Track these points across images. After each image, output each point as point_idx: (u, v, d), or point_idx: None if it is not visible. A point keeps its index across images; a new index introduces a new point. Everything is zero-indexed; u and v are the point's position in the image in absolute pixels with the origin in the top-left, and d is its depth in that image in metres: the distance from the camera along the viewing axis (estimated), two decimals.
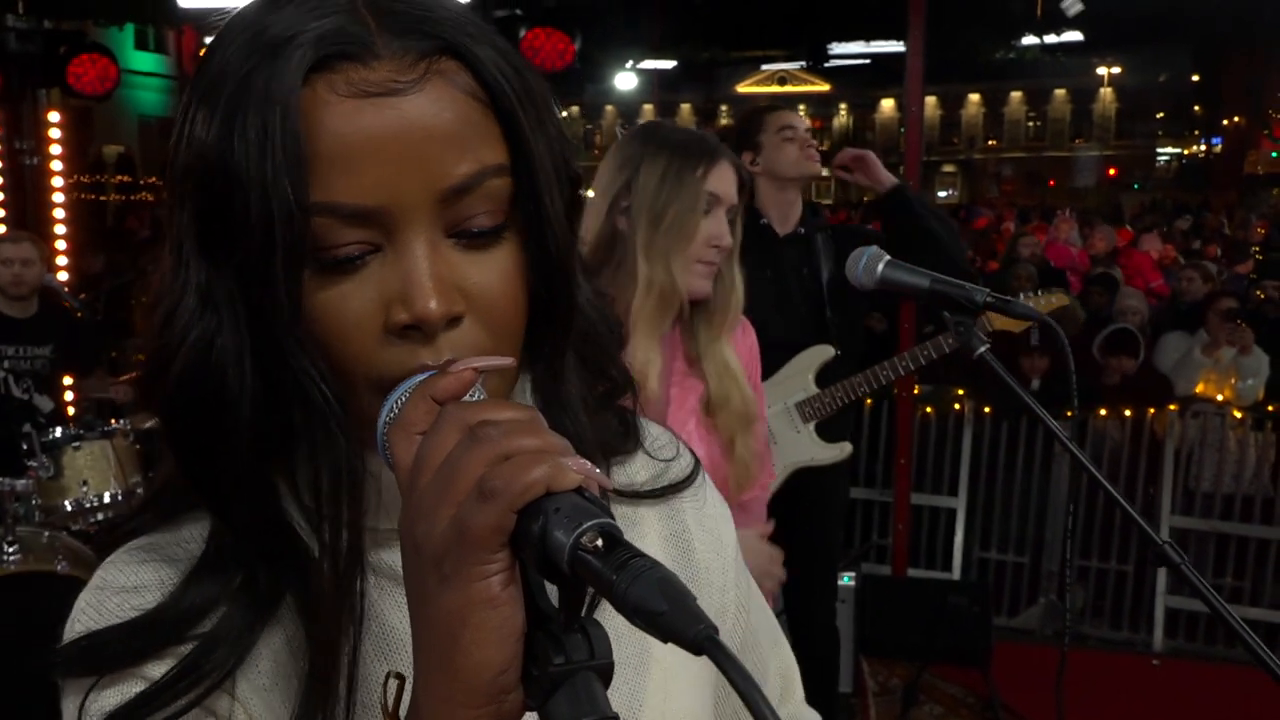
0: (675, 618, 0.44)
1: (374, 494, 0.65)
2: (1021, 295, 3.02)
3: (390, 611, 0.68)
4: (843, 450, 3.13)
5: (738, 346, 1.94)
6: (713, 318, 1.86)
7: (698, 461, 0.86)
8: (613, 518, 0.48)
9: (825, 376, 3.09)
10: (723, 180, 1.79)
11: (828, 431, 3.11)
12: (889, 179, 3.13)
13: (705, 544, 0.83)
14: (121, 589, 0.66)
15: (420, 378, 0.59)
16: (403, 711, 0.56)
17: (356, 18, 0.60)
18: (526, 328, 0.66)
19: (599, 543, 0.47)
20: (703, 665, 0.78)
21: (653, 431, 0.84)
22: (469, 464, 0.50)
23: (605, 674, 0.50)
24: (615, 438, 0.78)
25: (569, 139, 0.69)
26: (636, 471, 0.81)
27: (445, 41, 0.61)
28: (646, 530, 0.80)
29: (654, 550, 0.78)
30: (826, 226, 3.27)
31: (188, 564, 0.66)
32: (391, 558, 0.68)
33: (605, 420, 0.76)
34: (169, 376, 0.63)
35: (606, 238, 1.79)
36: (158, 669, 0.63)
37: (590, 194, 1.86)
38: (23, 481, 3.46)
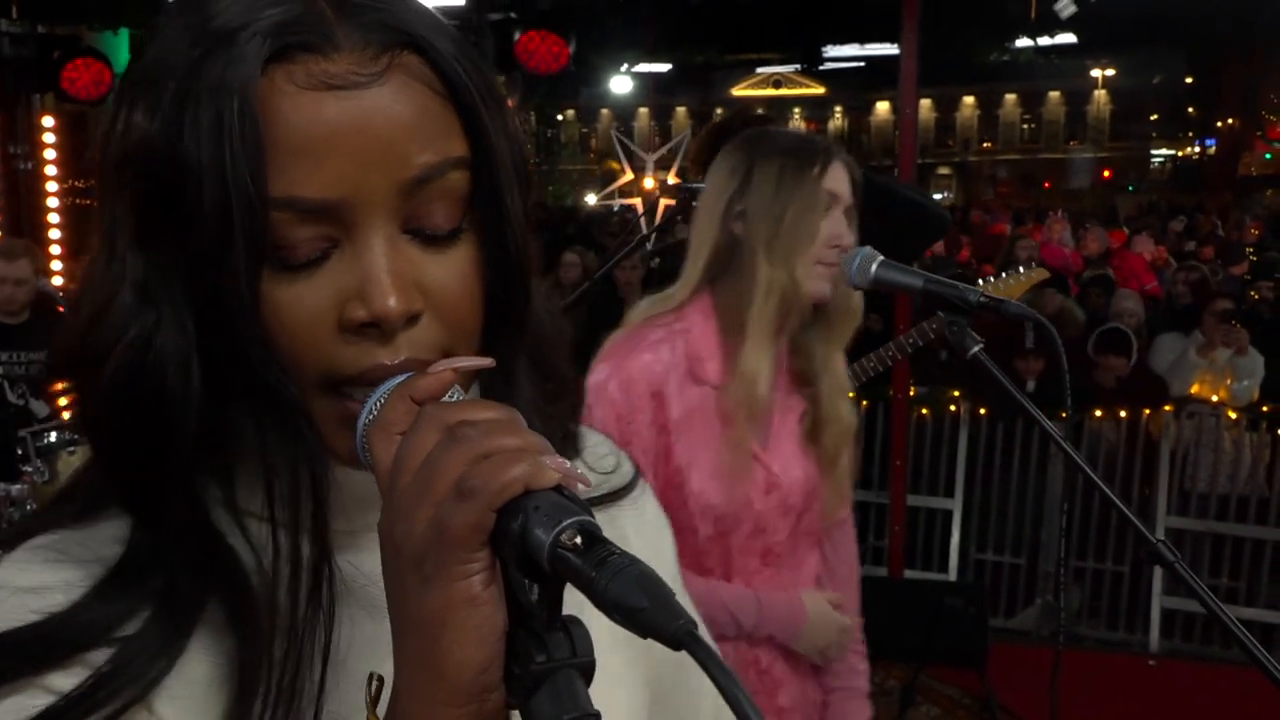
0: (655, 613, 0.44)
1: (334, 496, 0.63)
2: (1003, 274, 3.02)
3: (346, 623, 0.64)
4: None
5: None
6: (832, 327, 1.80)
7: (637, 471, 0.85)
8: (592, 515, 0.48)
9: None
10: (838, 179, 1.74)
11: None
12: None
13: (644, 553, 0.81)
14: (20, 589, 0.60)
15: (400, 378, 0.58)
16: (381, 711, 0.55)
17: (313, 8, 0.58)
18: (482, 329, 0.65)
19: (578, 540, 0.47)
20: (637, 669, 0.77)
21: (592, 440, 0.83)
22: (448, 463, 0.50)
23: (587, 672, 0.50)
24: (556, 444, 0.77)
25: (524, 139, 0.68)
26: None
27: (407, 35, 0.59)
28: None
29: None
30: None
31: (98, 567, 0.61)
32: (350, 559, 0.66)
33: (550, 426, 0.74)
34: (100, 377, 0.59)
35: (723, 245, 1.75)
36: (64, 680, 0.57)
37: (698, 203, 1.82)
38: (18, 486, 3.45)
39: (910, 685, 4.09)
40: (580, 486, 0.51)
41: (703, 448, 1.72)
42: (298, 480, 0.60)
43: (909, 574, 4.70)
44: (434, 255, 0.61)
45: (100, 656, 0.58)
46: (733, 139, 1.82)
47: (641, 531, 0.83)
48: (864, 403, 5.01)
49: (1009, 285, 2.93)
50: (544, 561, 0.47)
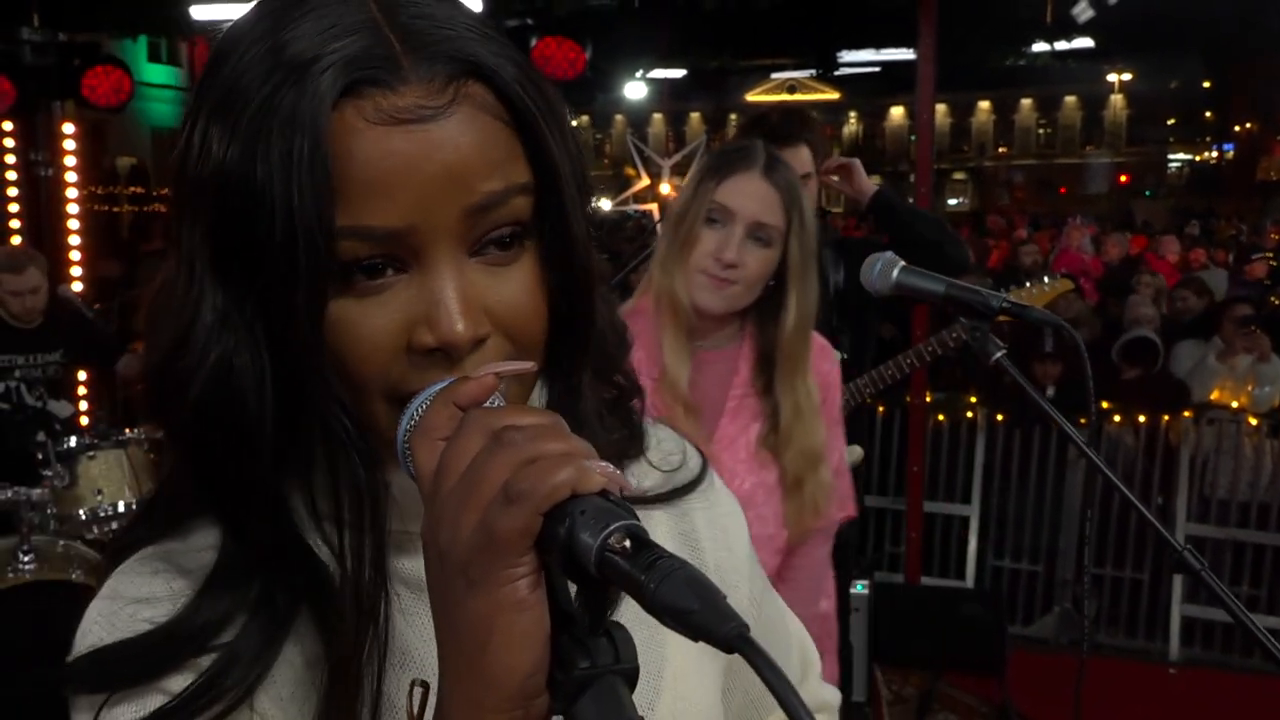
0: (706, 616, 0.44)
1: (391, 503, 0.66)
2: (1028, 283, 3.01)
3: (399, 620, 0.67)
4: (854, 454, 3.12)
5: (816, 369, 1.86)
6: (784, 345, 1.79)
7: (705, 462, 0.86)
8: (638, 519, 0.48)
9: None
10: (741, 195, 1.71)
11: None
12: (870, 187, 3.12)
13: (715, 542, 0.84)
14: (133, 600, 0.65)
15: (441, 384, 0.59)
16: (427, 718, 0.56)
17: (380, 38, 0.59)
18: (546, 341, 0.66)
19: (626, 544, 0.47)
20: (709, 661, 0.79)
21: (659, 435, 0.84)
22: (494, 468, 0.50)
23: (630, 678, 0.50)
24: (623, 444, 0.78)
25: (584, 152, 0.69)
26: (645, 475, 0.81)
27: (471, 63, 0.60)
28: (656, 533, 0.80)
29: None
30: (833, 239, 3.26)
31: (199, 575, 0.65)
32: (406, 563, 0.69)
33: (614, 427, 0.76)
34: (186, 398, 0.62)
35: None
36: (176, 683, 0.62)
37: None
38: (38, 491, 3.47)
39: (928, 692, 4.07)
40: (620, 489, 0.51)
41: None
42: (358, 499, 0.62)
43: (926, 581, 4.69)
44: (499, 276, 0.62)
45: (207, 660, 0.62)
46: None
47: (714, 521, 0.84)
48: (880, 408, 5.00)
49: (1033, 295, 2.92)
50: (591, 565, 0.47)
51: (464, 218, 0.60)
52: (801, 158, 2.98)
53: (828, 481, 1.85)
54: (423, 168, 0.58)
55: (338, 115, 0.58)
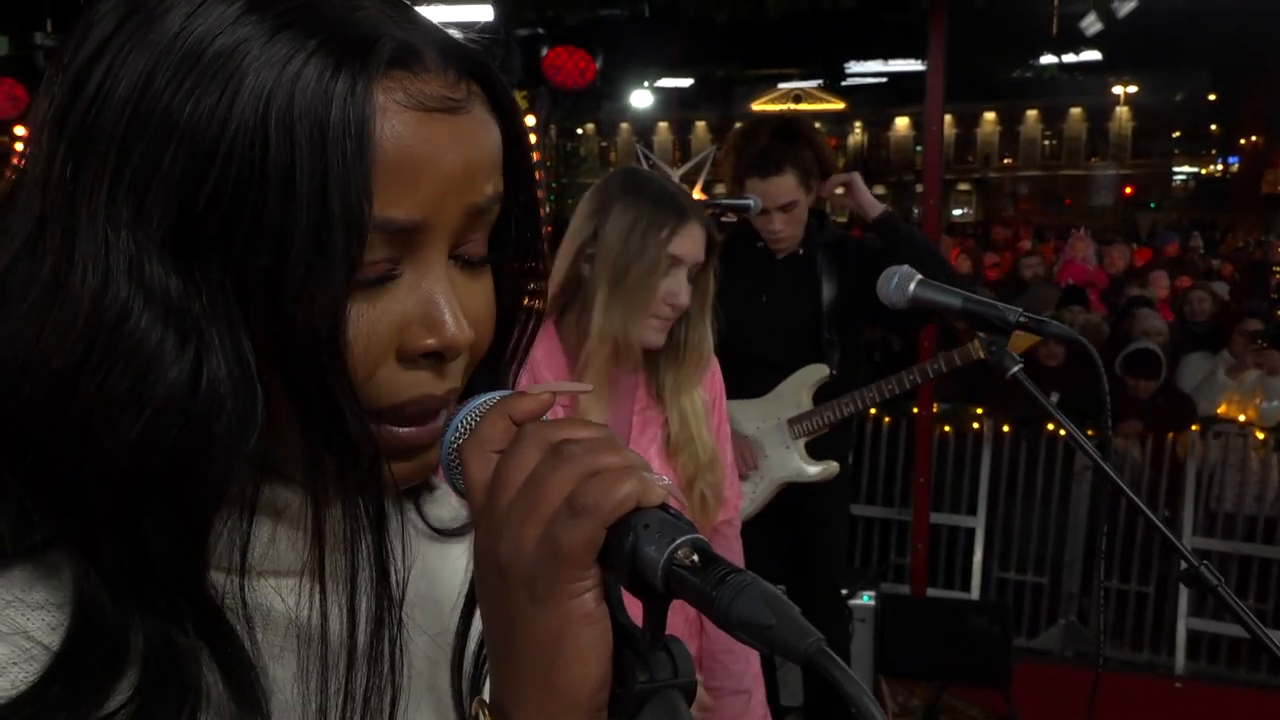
0: (784, 631, 0.44)
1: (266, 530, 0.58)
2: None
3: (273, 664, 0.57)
4: (828, 469, 3.13)
5: (707, 386, 2.01)
6: (680, 369, 1.92)
7: None
8: (699, 533, 0.49)
9: (823, 396, 3.10)
10: (687, 242, 1.83)
11: (821, 451, 3.12)
12: (875, 206, 3.13)
13: None
14: None
15: (488, 396, 0.59)
16: None
17: (401, 17, 0.56)
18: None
19: (695, 558, 0.47)
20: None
21: None
22: (557, 481, 0.50)
23: (689, 692, 0.50)
24: None
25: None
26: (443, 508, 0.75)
27: (476, 63, 0.58)
28: (460, 562, 0.73)
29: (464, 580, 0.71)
30: (831, 240, 3.25)
31: (48, 634, 0.51)
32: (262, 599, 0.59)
33: None
34: (122, 430, 0.49)
35: (570, 281, 1.86)
36: None
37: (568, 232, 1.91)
38: None
39: (933, 705, 4.06)
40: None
41: None
42: (356, 514, 0.54)
43: (931, 592, 4.68)
44: (472, 283, 0.60)
45: None
46: (613, 176, 1.93)
47: None
48: (886, 419, 4.99)
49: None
50: (658, 580, 0.47)
51: (463, 217, 0.57)
52: (782, 187, 3.02)
53: (717, 482, 1.97)
54: (446, 159, 0.55)
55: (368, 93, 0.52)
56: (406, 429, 0.58)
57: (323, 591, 0.54)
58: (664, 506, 0.50)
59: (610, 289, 1.80)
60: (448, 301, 0.56)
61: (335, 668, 0.55)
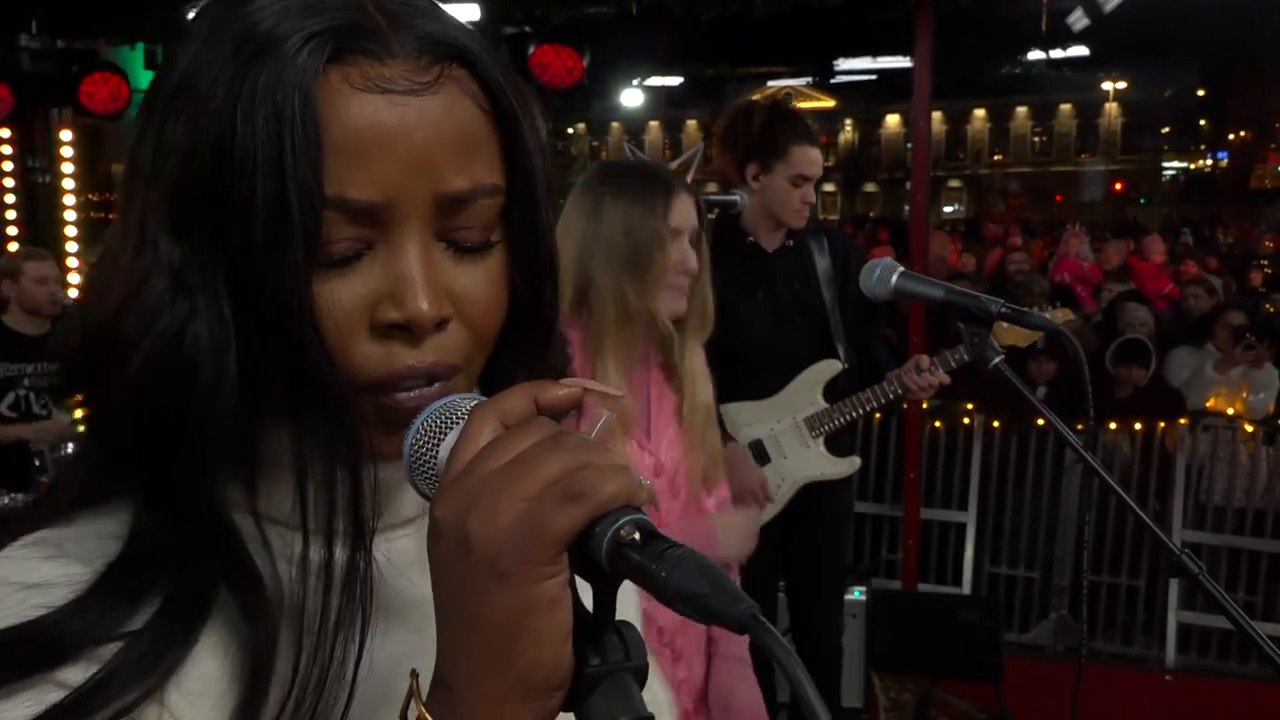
0: (718, 599, 0.45)
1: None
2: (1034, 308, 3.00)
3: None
4: (852, 464, 3.12)
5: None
6: (688, 330, 2.01)
7: None
8: (645, 514, 0.49)
9: (835, 390, 3.07)
10: (681, 211, 1.93)
11: (835, 445, 3.10)
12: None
13: None
14: (23, 585, 0.58)
15: (467, 397, 0.59)
16: (412, 714, 0.54)
17: (367, 15, 0.59)
18: (500, 335, 0.66)
19: (636, 536, 0.48)
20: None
21: None
22: (547, 464, 0.50)
23: (640, 675, 0.50)
24: None
25: (550, 152, 0.69)
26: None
27: (458, 49, 0.61)
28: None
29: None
30: (821, 228, 3.23)
31: (99, 561, 0.59)
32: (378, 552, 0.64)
33: None
34: (129, 364, 0.58)
35: (581, 283, 1.91)
36: (74, 675, 0.55)
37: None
38: (35, 497, 3.47)
39: (924, 699, 4.07)
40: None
41: None
42: (333, 479, 0.59)
43: (923, 587, 4.69)
44: (465, 265, 0.62)
45: (110, 650, 0.56)
46: (590, 178, 1.99)
47: None
48: (877, 415, 5.00)
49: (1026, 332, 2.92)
50: (603, 559, 0.48)
51: (434, 203, 0.60)
52: (820, 157, 3.05)
53: (718, 445, 2.07)
54: (404, 141, 0.58)
55: (323, 80, 0.57)
56: (402, 394, 0.61)
57: (305, 552, 0.59)
58: (640, 509, 0.50)
59: (624, 278, 1.88)
60: (417, 278, 0.59)
61: (314, 593, 0.60)
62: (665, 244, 1.90)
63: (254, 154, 0.56)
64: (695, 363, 2.03)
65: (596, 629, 0.51)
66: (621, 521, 0.48)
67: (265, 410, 0.61)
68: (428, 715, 0.53)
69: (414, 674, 0.56)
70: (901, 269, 1.44)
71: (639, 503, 0.50)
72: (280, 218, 0.56)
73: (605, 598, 0.50)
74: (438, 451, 0.57)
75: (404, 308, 0.59)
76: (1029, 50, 14.91)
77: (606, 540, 0.48)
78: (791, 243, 3.11)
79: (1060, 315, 3.07)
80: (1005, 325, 2.89)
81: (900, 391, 2.96)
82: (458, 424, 0.57)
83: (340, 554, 0.60)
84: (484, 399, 0.58)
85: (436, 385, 0.61)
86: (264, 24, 0.58)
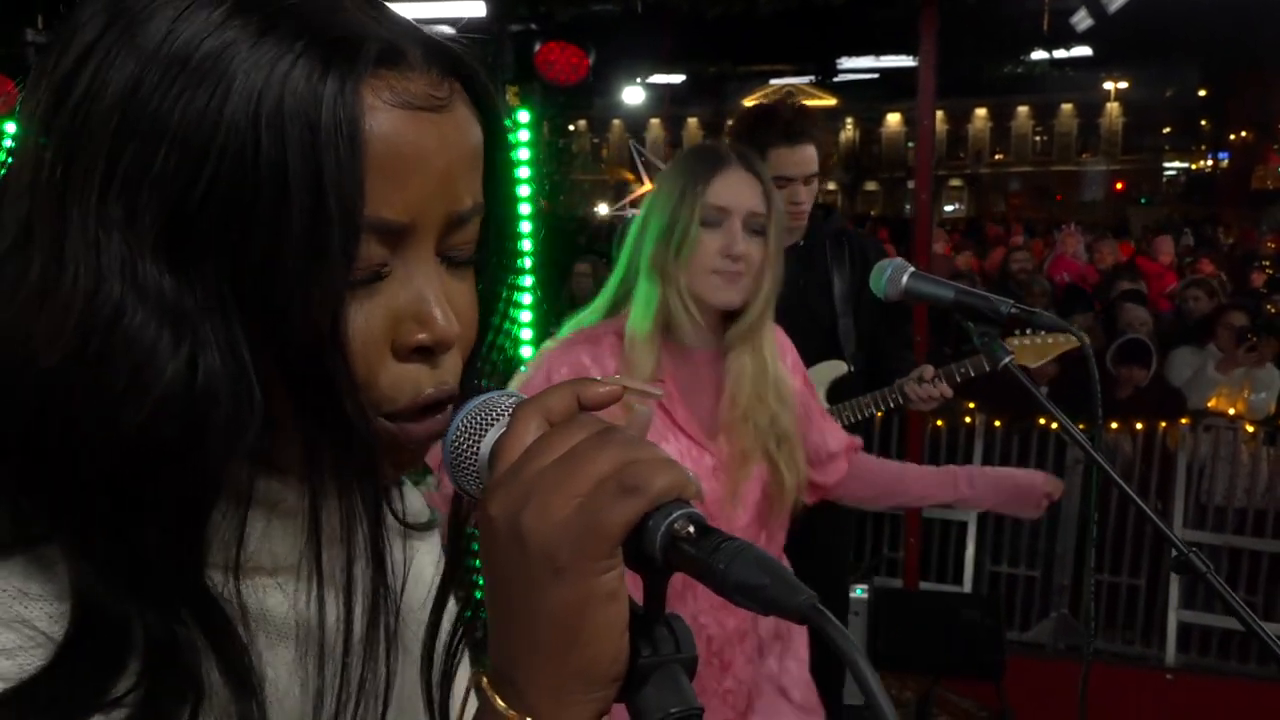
0: (778, 589, 0.46)
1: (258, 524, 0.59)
2: (1029, 333, 2.94)
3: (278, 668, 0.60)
4: None
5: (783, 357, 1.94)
6: (743, 323, 1.83)
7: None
8: (695, 509, 0.50)
9: (840, 392, 3.07)
10: (728, 191, 1.75)
11: None
12: None
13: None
14: None
15: (494, 394, 0.59)
16: (468, 714, 0.55)
17: (380, 25, 0.55)
18: None
19: (691, 529, 0.48)
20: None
21: None
22: (599, 459, 0.50)
23: (691, 667, 0.51)
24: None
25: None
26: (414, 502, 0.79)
27: (457, 61, 0.58)
28: (424, 562, 0.76)
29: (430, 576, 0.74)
30: (838, 231, 3.21)
31: (24, 629, 0.51)
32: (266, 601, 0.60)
33: None
34: (121, 427, 0.50)
35: (632, 271, 1.83)
36: None
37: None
38: None
39: (926, 697, 4.08)
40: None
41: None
42: (355, 513, 0.55)
43: (924, 586, 4.70)
44: (457, 282, 0.61)
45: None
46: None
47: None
48: (879, 413, 5.00)
49: (1038, 346, 2.90)
50: (657, 552, 0.49)
51: (447, 220, 0.58)
52: (808, 155, 2.98)
53: (801, 463, 1.92)
54: (432, 161, 0.55)
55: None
56: (415, 424, 0.59)
57: (319, 583, 0.55)
58: (689, 502, 0.51)
59: (660, 255, 1.75)
60: (437, 298, 0.58)
61: (332, 656, 0.56)
62: (693, 220, 1.73)
63: (285, 170, 0.51)
64: (744, 361, 1.82)
65: (647, 621, 0.51)
66: (675, 515, 0.49)
67: (274, 449, 0.56)
68: (509, 710, 0.52)
69: (479, 669, 0.56)
70: (912, 269, 1.45)
71: (689, 496, 0.50)
72: (317, 239, 0.51)
73: (656, 590, 0.51)
74: (479, 449, 0.57)
75: (431, 328, 0.57)
76: (1031, 50, 14.92)
77: (660, 534, 0.48)
78: (803, 242, 3.10)
79: (1065, 343, 3.00)
80: (1017, 343, 2.91)
81: (901, 400, 2.95)
82: (497, 421, 0.57)
83: (361, 580, 0.56)
84: (523, 396, 0.58)
85: (446, 410, 0.60)
86: (279, 11, 0.53)
